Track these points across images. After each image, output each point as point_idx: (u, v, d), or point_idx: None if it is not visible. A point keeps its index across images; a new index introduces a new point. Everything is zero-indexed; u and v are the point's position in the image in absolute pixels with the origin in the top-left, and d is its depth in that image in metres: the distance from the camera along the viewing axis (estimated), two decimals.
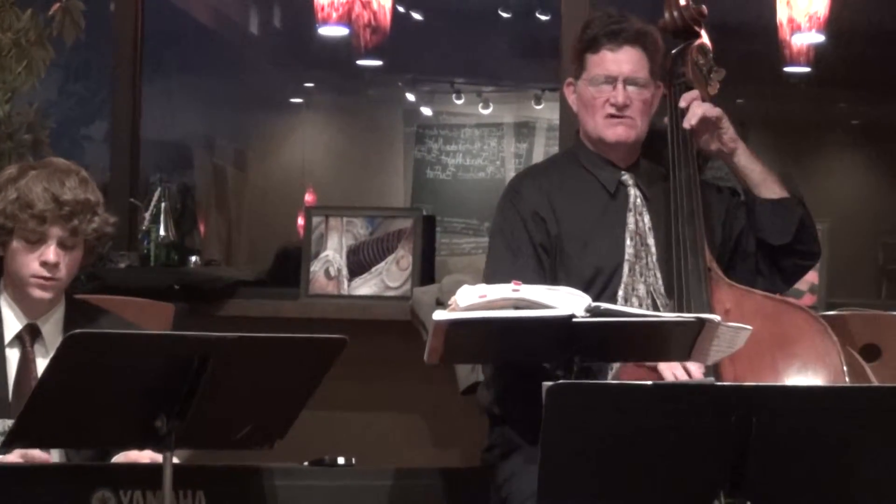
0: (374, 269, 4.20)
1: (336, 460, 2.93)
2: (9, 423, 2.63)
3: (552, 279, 3.19)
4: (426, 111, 7.40)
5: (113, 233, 3.06)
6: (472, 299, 2.72)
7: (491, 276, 3.19)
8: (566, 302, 2.71)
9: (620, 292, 3.19)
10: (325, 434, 3.57)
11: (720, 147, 3.33)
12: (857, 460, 2.36)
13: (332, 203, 6.76)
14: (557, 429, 2.29)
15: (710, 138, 3.33)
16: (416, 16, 6.72)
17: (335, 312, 4.10)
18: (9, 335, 2.98)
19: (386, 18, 5.67)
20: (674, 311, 3.12)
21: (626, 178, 3.31)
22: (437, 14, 6.90)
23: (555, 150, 5.31)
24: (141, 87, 4.51)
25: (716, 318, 2.73)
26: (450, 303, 2.80)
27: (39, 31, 4.02)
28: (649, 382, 2.34)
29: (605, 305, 2.76)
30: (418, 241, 4.18)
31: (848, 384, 3.02)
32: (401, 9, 6.18)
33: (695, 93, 3.34)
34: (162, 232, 4.41)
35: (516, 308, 2.72)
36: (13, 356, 2.97)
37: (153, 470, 2.60)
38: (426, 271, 4.18)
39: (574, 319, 2.65)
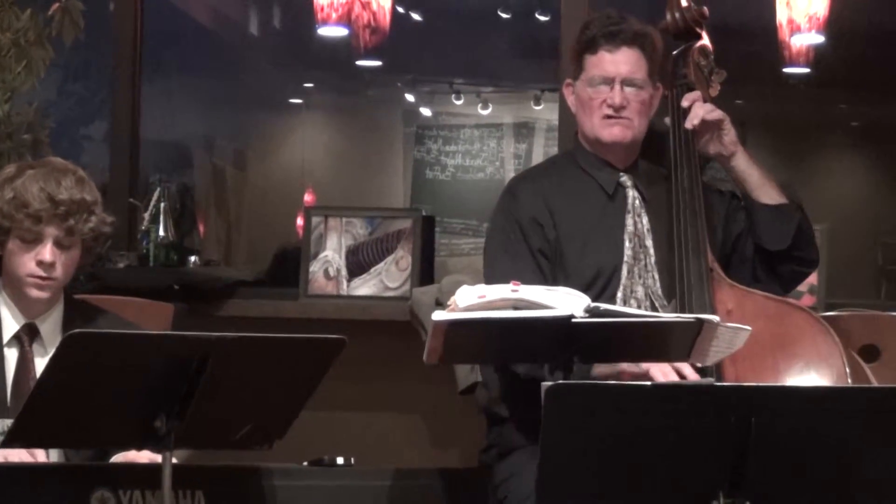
0: (373, 270, 4.19)
1: (335, 460, 2.93)
2: (8, 422, 2.63)
3: (552, 283, 3.19)
4: (426, 112, 7.40)
5: (111, 232, 3.06)
6: (471, 300, 2.72)
7: (490, 281, 3.18)
8: (565, 302, 2.71)
9: (619, 294, 3.19)
10: (324, 434, 3.57)
11: (720, 150, 3.33)
12: (856, 460, 2.36)
13: (331, 203, 6.76)
14: (557, 429, 2.29)
15: (710, 140, 3.33)
16: (416, 16, 6.73)
17: (334, 313, 4.09)
18: (7, 335, 2.98)
19: (385, 19, 5.67)
20: (675, 311, 3.12)
21: (625, 179, 3.31)
22: (437, 14, 6.90)
23: (554, 150, 5.32)
24: (140, 87, 4.51)
25: (715, 318, 2.73)
26: (449, 303, 2.79)
27: (39, 31, 4.02)
28: (649, 383, 2.33)
29: (604, 306, 2.76)
30: (417, 242, 4.18)
31: (847, 385, 3.02)
32: (400, 9, 6.18)
33: (697, 94, 3.35)
34: (161, 232, 4.41)
35: (515, 308, 2.72)
36: (11, 356, 2.97)
37: (152, 470, 2.60)
38: (425, 272, 4.18)
39: (573, 320, 2.66)
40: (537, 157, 6.75)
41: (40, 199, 2.90)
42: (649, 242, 3.25)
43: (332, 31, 5.67)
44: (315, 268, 4.21)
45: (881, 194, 7.31)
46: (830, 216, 4.87)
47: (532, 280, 3.14)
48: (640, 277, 3.22)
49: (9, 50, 3.97)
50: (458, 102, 7.25)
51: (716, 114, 3.31)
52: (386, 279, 4.18)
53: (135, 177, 4.50)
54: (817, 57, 5.60)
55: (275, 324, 4.04)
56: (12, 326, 2.98)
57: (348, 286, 4.19)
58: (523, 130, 6.96)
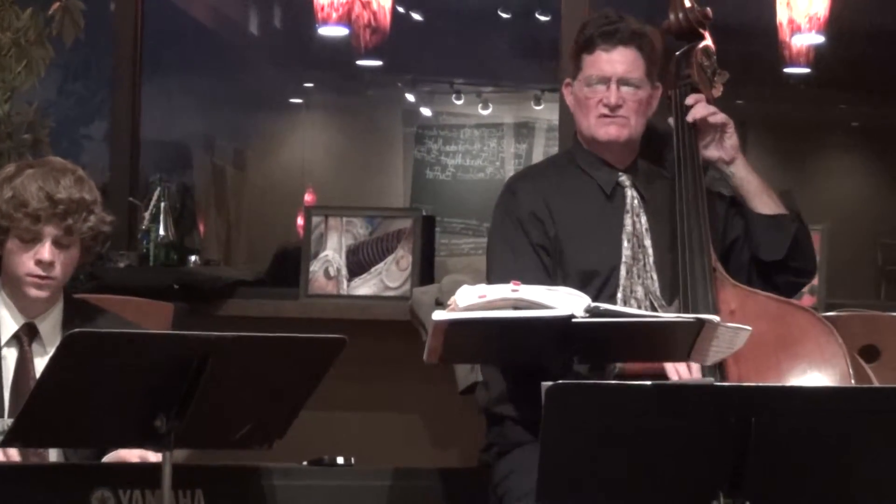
0: (373, 270, 4.19)
1: (335, 460, 2.93)
2: (8, 422, 2.63)
3: (553, 278, 3.19)
4: (426, 111, 7.40)
5: (110, 232, 3.06)
6: (471, 299, 2.72)
7: (494, 278, 3.19)
8: (565, 302, 2.71)
9: (619, 294, 3.19)
10: (324, 434, 3.57)
11: (721, 154, 3.32)
12: (857, 460, 2.36)
13: (331, 203, 6.75)
14: (557, 429, 2.29)
15: (712, 143, 3.33)
16: (416, 16, 6.72)
17: (334, 312, 4.09)
18: (6, 334, 2.97)
19: (386, 19, 5.67)
20: (678, 311, 3.12)
21: (623, 178, 3.30)
22: (437, 14, 6.90)
23: (554, 150, 5.31)
24: (141, 86, 4.51)
25: (715, 318, 2.73)
26: (449, 303, 2.80)
27: (39, 31, 4.02)
28: (649, 382, 2.33)
29: (604, 306, 2.76)
30: (418, 242, 4.18)
31: (846, 385, 3.02)
32: (400, 9, 6.18)
33: (701, 95, 3.35)
34: (161, 231, 4.41)
35: (515, 308, 2.72)
36: (10, 356, 2.97)
37: (152, 469, 2.60)
38: (425, 271, 4.18)
39: (573, 320, 2.66)
40: (537, 157, 6.74)
41: (39, 198, 2.90)
42: (648, 242, 3.24)
43: (332, 30, 5.66)
44: (315, 267, 4.21)
45: (881, 194, 7.31)
46: (830, 216, 4.87)
47: (535, 274, 3.15)
48: (639, 277, 3.21)
49: (9, 49, 3.97)
50: (459, 102, 7.24)
51: (720, 116, 3.31)
52: (386, 279, 4.18)
53: (135, 176, 4.50)
54: (817, 57, 5.59)
55: (275, 324, 4.04)
56: (11, 326, 2.98)
57: (348, 286, 4.19)
58: (523, 130, 6.96)
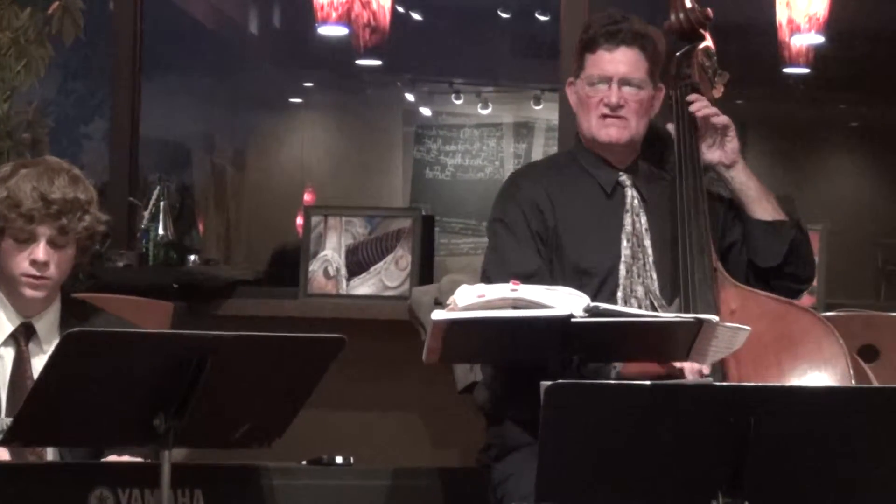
0: (372, 269, 4.19)
1: (334, 459, 2.93)
2: (7, 421, 2.63)
3: (550, 271, 3.19)
4: (425, 111, 7.40)
5: (106, 231, 3.05)
6: (470, 299, 2.72)
7: (494, 263, 3.19)
8: (565, 302, 2.71)
9: (619, 294, 3.19)
10: (323, 433, 3.56)
11: (721, 158, 3.32)
12: (856, 460, 2.36)
13: (331, 202, 6.76)
14: (556, 429, 2.29)
15: (713, 145, 3.32)
16: (416, 16, 6.73)
17: (334, 312, 4.09)
18: (3, 334, 2.97)
19: (385, 18, 5.67)
20: (679, 310, 3.11)
21: (624, 178, 3.30)
22: (437, 14, 6.90)
23: (554, 150, 5.31)
24: (140, 86, 4.51)
25: (714, 318, 2.73)
26: (448, 302, 2.79)
27: (39, 30, 4.03)
28: (648, 382, 2.33)
29: (603, 305, 2.76)
30: (417, 241, 4.18)
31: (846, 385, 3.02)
32: (400, 9, 6.18)
33: (702, 95, 3.35)
34: (161, 231, 4.41)
35: (515, 308, 2.72)
36: (7, 355, 2.96)
37: (151, 469, 2.60)
38: (425, 271, 4.18)
39: (573, 319, 2.65)
40: (537, 157, 6.74)
41: (33, 198, 2.90)
42: (647, 242, 3.24)
43: (331, 30, 5.66)
44: (315, 267, 4.21)
45: (881, 195, 7.31)
46: (830, 217, 4.88)
47: (537, 261, 3.15)
48: (639, 277, 3.21)
49: (8, 48, 3.98)
50: (458, 102, 7.24)
51: (722, 118, 3.31)
52: (385, 278, 4.18)
53: (134, 176, 4.50)
54: (817, 57, 5.59)
55: (274, 323, 4.04)
56: (8, 326, 2.97)
57: (348, 285, 4.19)
58: (523, 130, 6.96)
